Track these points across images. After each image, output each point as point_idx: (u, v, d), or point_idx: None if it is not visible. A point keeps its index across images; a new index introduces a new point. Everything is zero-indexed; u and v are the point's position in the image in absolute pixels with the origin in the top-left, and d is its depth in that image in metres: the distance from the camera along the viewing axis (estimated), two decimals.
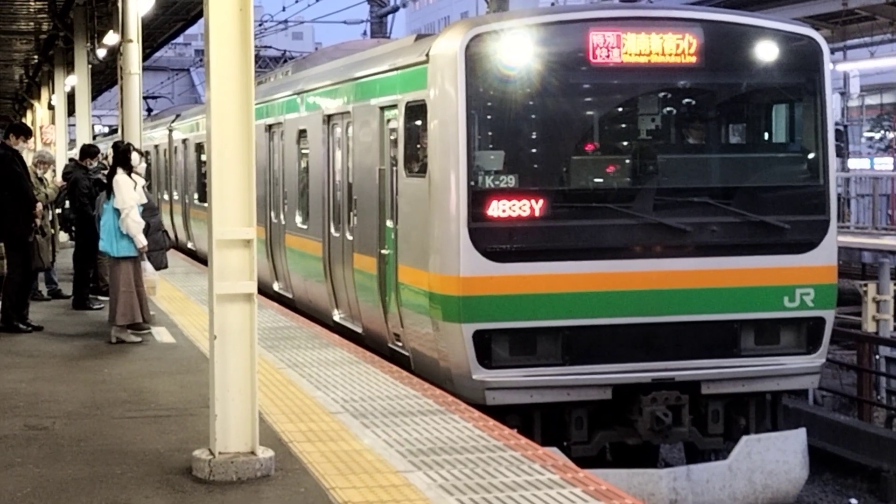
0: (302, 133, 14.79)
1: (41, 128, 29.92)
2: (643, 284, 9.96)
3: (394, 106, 11.17)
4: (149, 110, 39.54)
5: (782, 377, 10.28)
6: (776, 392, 10.50)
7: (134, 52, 15.17)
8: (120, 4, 15.48)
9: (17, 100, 44.04)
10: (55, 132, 27.28)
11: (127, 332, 11.76)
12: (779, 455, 10.08)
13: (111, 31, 19.68)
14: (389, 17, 34.77)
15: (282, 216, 15.73)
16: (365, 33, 36.03)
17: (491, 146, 10.18)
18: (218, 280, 6.71)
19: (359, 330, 12.36)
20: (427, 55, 10.25)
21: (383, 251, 11.39)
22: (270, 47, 42.74)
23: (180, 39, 46.32)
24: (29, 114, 39.15)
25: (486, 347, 9.73)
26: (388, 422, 8.11)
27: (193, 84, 70.96)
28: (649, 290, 9.96)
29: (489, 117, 10.17)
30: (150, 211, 12.52)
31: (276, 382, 9.54)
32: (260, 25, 38.73)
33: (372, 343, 11.84)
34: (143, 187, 12.24)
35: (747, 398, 10.35)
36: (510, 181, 9.86)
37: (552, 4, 34.75)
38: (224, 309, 6.71)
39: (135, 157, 12.05)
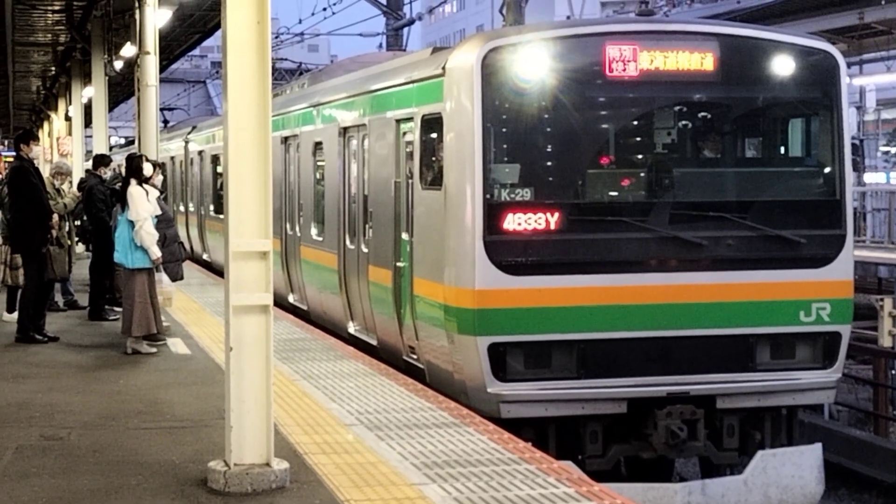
0: (318, 145, 14.80)
1: (58, 139, 30.06)
2: (659, 298, 9.92)
3: (410, 119, 11.18)
4: (165, 122, 39.66)
5: (798, 392, 10.23)
6: (792, 407, 10.44)
7: (151, 64, 15.26)
8: (137, 17, 15.58)
9: (34, 111, 44.27)
10: (72, 143, 27.41)
11: (142, 343, 11.80)
12: (794, 470, 10.02)
13: (128, 43, 19.79)
14: (405, 29, 34.83)
15: (297, 228, 15.74)
16: (381, 46, 36.05)
17: (506, 159, 10.16)
18: (234, 291, 6.72)
19: (374, 342, 12.34)
20: (443, 68, 10.25)
21: (398, 264, 11.37)
22: (286, 59, 42.84)
23: (196, 51, 46.54)
24: (46, 125, 39.34)
25: (501, 360, 9.70)
26: (403, 434, 8.10)
27: (209, 96, 71.19)
28: (665, 304, 9.93)
29: (505, 130, 10.17)
30: (165, 222, 12.57)
31: (290, 394, 9.55)
32: (276, 38, 38.85)
33: (387, 356, 11.81)
34: (158, 199, 12.29)
35: (762, 413, 10.29)
36: (526, 194, 9.84)
37: (567, 18, 34.78)
38: (240, 320, 6.72)
39: (147, 167, 12.09)
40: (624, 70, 9.94)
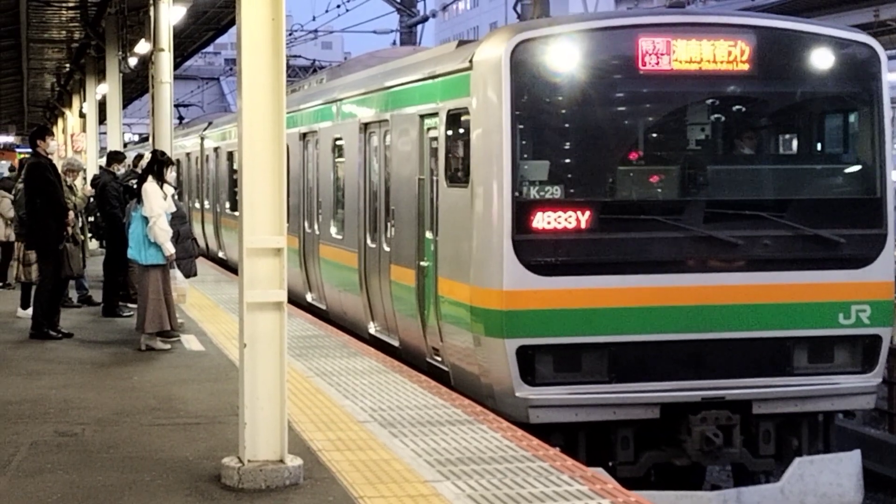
0: (337, 141, 14.44)
1: (72, 136, 30.14)
2: (693, 300, 9.58)
3: (434, 114, 10.83)
4: (180, 119, 39.76)
5: (836, 397, 9.85)
6: (828, 412, 10.08)
7: (165, 61, 15.25)
8: (152, 13, 15.57)
9: (48, 108, 44.32)
10: (86, 140, 27.48)
11: (156, 340, 11.78)
12: (833, 478, 9.64)
13: (143, 40, 19.79)
14: (419, 27, 34.82)
15: (316, 226, 15.38)
16: (394, 43, 36.04)
17: (536, 155, 9.80)
18: (248, 288, 6.69)
19: (395, 343, 12.00)
20: (470, 61, 9.90)
21: (422, 263, 11.03)
22: (300, 56, 42.84)
23: (210, 48, 46.62)
24: (60, 122, 39.43)
25: (530, 364, 9.36)
26: (417, 431, 8.07)
27: (223, 93, 71.26)
28: (699, 306, 9.59)
29: (534, 126, 9.80)
30: (179, 219, 12.56)
31: (304, 391, 9.49)
32: (290, 35, 38.86)
33: (409, 357, 11.49)
34: (172, 196, 12.29)
35: (799, 418, 9.92)
36: (555, 192, 9.49)
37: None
38: (254, 317, 6.70)
39: (167, 171, 12.10)
40: (657, 63, 9.58)
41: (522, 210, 9.39)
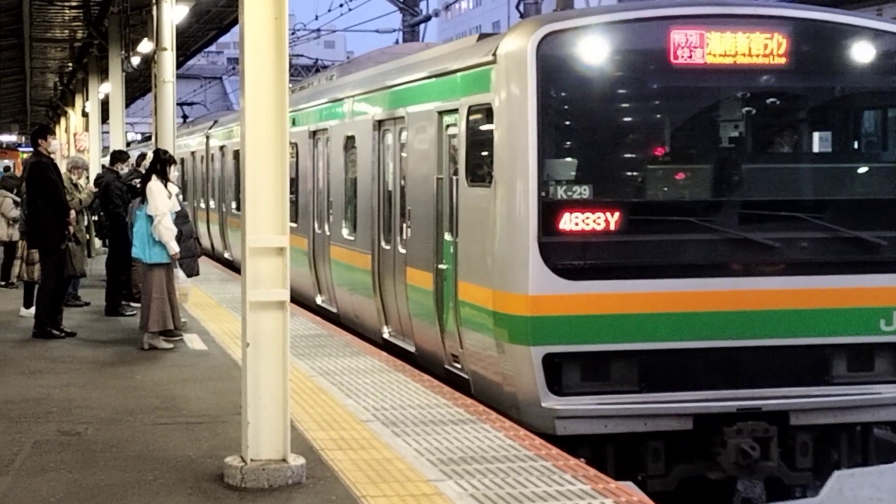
0: (349, 139, 13.87)
1: (75, 135, 30.16)
2: (727, 305, 9.06)
3: (454, 110, 10.28)
4: (184, 117, 39.76)
5: (877, 407, 9.30)
6: (867, 423, 9.52)
7: (168, 60, 15.23)
8: (154, 13, 15.56)
9: (51, 107, 44.35)
10: (89, 139, 27.50)
11: (159, 339, 11.76)
12: (873, 492, 9.07)
13: (145, 40, 19.78)
14: (421, 26, 34.83)
15: (326, 227, 14.82)
16: (397, 42, 36.06)
17: (563, 154, 9.30)
18: (251, 288, 6.68)
19: (411, 349, 11.50)
20: (494, 55, 9.34)
21: (441, 266, 10.51)
22: (303, 56, 42.84)
23: (213, 48, 46.61)
24: (63, 121, 39.46)
25: (557, 372, 8.86)
26: (419, 430, 8.03)
27: (226, 92, 71.17)
28: (734, 312, 9.07)
29: (561, 122, 9.30)
30: (181, 218, 12.56)
31: (307, 390, 9.45)
32: (293, 34, 38.85)
33: (426, 363, 11.01)
34: (176, 195, 12.30)
35: (838, 430, 9.37)
36: (583, 192, 8.98)
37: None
38: (257, 316, 6.69)
39: (171, 170, 12.11)
40: (690, 57, 9.07)
41: (549, 211, 8.90)
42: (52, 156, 12.83)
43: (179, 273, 12.72)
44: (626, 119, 9.50)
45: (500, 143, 9.23)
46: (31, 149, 13.49)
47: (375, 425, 8.21)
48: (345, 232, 13.99)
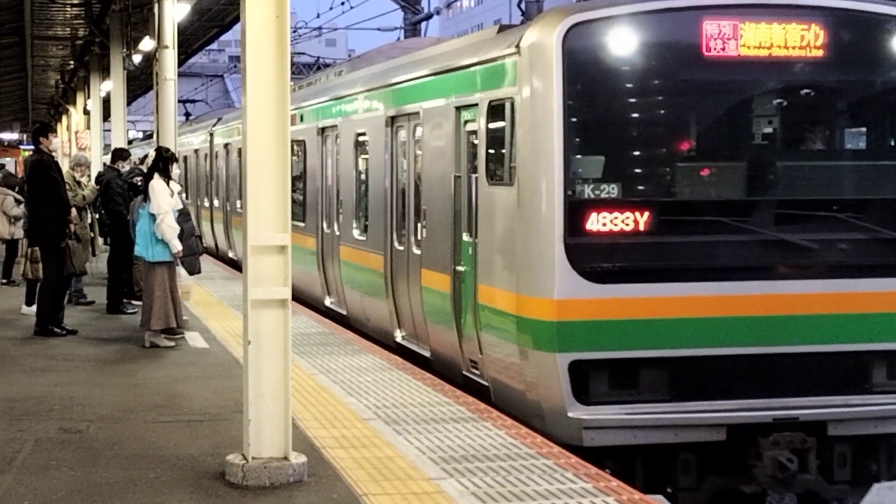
0: (360, 136, 13.36)
1: (76, 133, 30.16)
2: (762, 310, 8.58)
3: (473, 105, 9.80)
4: (186, 115, 39.75)
5: None
6: None
7: (169, 57, 15.21)
8: (156, 11, 15.56)
9: (52, 105, 44.31)
10: (90, 137, 27.50)
11: (160, 337, 11.72)
12: None
13: (147, 37, 19.77)
14: (423, 24, 34.87)
15: (335, 226, 14.33)
16: (398, 40, 36.10)
17: (590, 151, 8.80)
18: (252, 285, 6.65)
19: (426, 354, 11.00)
20: (517, 47, 8.85)
21: (459, 268, 10.05)
22: (304, 54, 42.82)
23: (214, 45, 46.58)
24: (64, 119, 39.45)
25: (584, 380, 8.40)
26: (421, 428, 7.99)
27: (227, 90, 71.20)
28: (769, 317, 8.60)
29: (588, 118, 8.79)
30: (183, 216, 12.57)
31: (308, 388, 9.39)
32: (294, 32, 38.82)
33: (442, 369, 10.54)
34: (178, 193, 12.31)
35: (878, 440, 8.87)
36: (611, 190, 8.53)
37: None
38: (258, 314, 6.65)
39: (173, 168, 12.12)
40: (723, 49, 8.60)
41: (575, 210, 8.44)
42: (53, 154, 12.84)
43: (181, 271, 12.73)
44: (656, 114, 8.99)
45: (523, 139, 8.76)
46: (33, 147, 13.49)
47: (377, 423, 8.16)
48: (355, 232, 13.53)
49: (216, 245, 23.71)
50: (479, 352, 9.61)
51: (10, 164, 38.71)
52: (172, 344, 11.70)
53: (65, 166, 15.81)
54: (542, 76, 8.59)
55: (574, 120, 8.55)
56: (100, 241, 18.21)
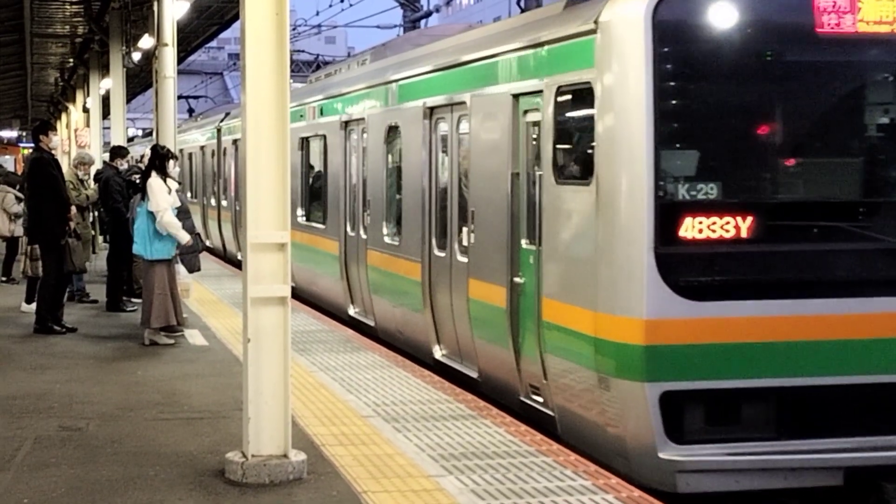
0: (392, 130, 11.95)
1: (76, 131, 30.13)
2: (888, 332, 7.24)
3: (536, 92, 8.39)
4: (190, 111, 39.72)
5: None
6: None
7: (169, 55, 15.16)
8: (155, 8, 15.53)
9: (52, 103, 44.15)
10: (90, 135, 27.49)
11: (160, 335, 11.61)
12: None
13: (146, 35, 19.66)
14: (422, 21, 34.89)
15: (362, 229, 12.92)
16: (398, 36, 36.11)
17: (684, 144, 7.43)
18: (252, 283, 6.59)
19: (472, 374, 9.70)
20: (595, 22, 7.47)
21: (517, 279, 8.68)
22: (303, 51, 42.76)
23: (214, 43, 46.58)
24: (64, 116, 39.37)
25: (678, 415, 7.08)
26: (420, 426, 7.89)
27: (227, 88, 71.11)
28: None
29: (682, 105, 7.37)
30: (182, 214, 12.55)
31: (308, 386, 9.30)
32: (294, 30, 38.79)
33: (493, 392, 9.23)
34: (176, 190, 12.32)
35: None
36: (710, 191, 7.22)
37: None
38: (258, 312, 6.59)
39: (170, 165, 12.12)
40: (838, 25, 7.30)
41: (668, 214, 7.12)
42: (53, 152, 12.84)
43: (180, 269, 12.73)
44: (762, 101, 7.55)
45: (603, 130, 7.38)
46: (33, 145, 13.50)
47: (376, 421, 8.07)
48: (386, 235, 12.09)
49: (224, 246, 22.45)
50: (544, 376, 8.25)
51: (9, 162, 38.71)
52: (172, 342, 11.64)
53: (64, 164, 15.81)
54: (627, 56, 7.24)
55: (666, 107, 7.20)
56: (99, 238, 18.24)
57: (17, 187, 17.21)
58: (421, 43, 13.12)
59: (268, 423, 6.63)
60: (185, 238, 11.41)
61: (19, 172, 23.81)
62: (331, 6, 34.17)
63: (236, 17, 23.25)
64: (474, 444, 7.39)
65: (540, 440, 7.54)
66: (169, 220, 11.33)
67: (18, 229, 16.27)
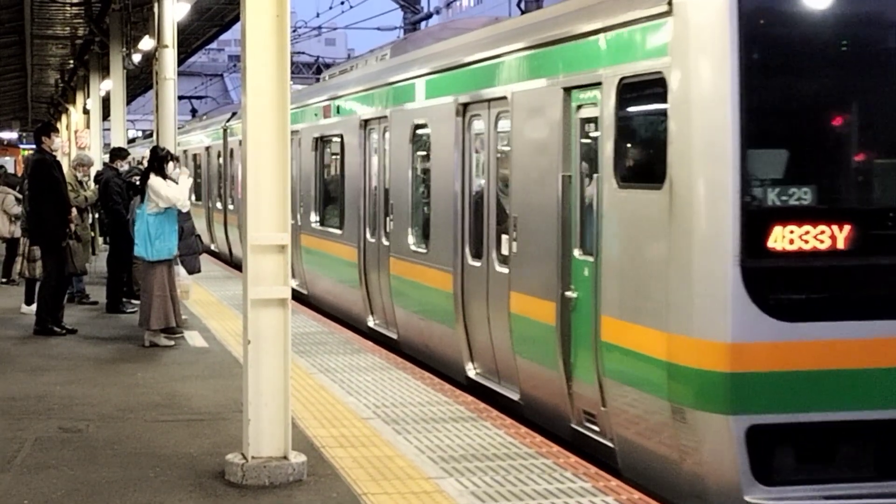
0: (418, 129, 11.08)
1: (76, 132, 30.12)
2: None
3: (594, 85, 7.45)
4: (193, 111, 39.72)
5: None
6: None
7: (169, 57, 15.12)
8: (156, 10, 15.52)
9: (52, 104, 44.09)
10: (90, 136, 27.48)
11: (160, 336, 11.56)
12: None
13: (147, 37, 19.65)
14: (423, 23, 34.89)
15: (383, 235, 12.01)
16: (398, 38, 36.11)
17: (774, 143, 6.50)
18: (252, 285, 6.56)
19: (513, 396, 8.80)
20: (669, 4, 6.54)
21: (568, 293, 7.77)
22: (304, 53, 42.77)
23: (214, 45, 46.57)
24: (64, 118, 39.31)
25: (767, 452, 6.25)
26: (420, 428, 7.84)
27: (227, 89, 71.11)
28: None
29: (772, 99, 6.43)
30: (183, 215, 12.60)
31: (308, 387, 9.25)
32: (294, 32, 38.69)
33: (537, 417, 8.34)
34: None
35: None
36: (804, 196, 6.33)
37: None
38: (258, 314, 6.57)
39: (170, 167, 12.12)
40: None
41: (755, 222, 6.25)
42: (54, 153, 12.85)
43: (180, 270, 12.72)
44: (863, 94, 6.60)
45: (678, 127, 6.48)
46: (35, 146, 13.50)
47: (376, 423, 8.02)
48: (410, 242, 11.18)
49: (230, 251, 21.49)
50: (602, 403, 7.36)
51: (9, 163, 38.70)
52: (172, 343, 11.61)
53: (65, 166, 15.80)
54: (708, 42, 6.35)
55: (753, 101, 6.30)
56: (99, 240, 18.23)
57: (17, 188, 17.20)
58: (443, 37, 12.19)
59: (268, 425, 6.60)
60: (186, 206, 11.51)
61: (19, 174, 23.80)
62: (331, 8, 34.09)
63: (237, 19, 23.24)
64: (474, 447, 7.35)
65: (540, 442, 7.51)
66: (173, 195, 11.34)
67: (18, 230, 16.26)
